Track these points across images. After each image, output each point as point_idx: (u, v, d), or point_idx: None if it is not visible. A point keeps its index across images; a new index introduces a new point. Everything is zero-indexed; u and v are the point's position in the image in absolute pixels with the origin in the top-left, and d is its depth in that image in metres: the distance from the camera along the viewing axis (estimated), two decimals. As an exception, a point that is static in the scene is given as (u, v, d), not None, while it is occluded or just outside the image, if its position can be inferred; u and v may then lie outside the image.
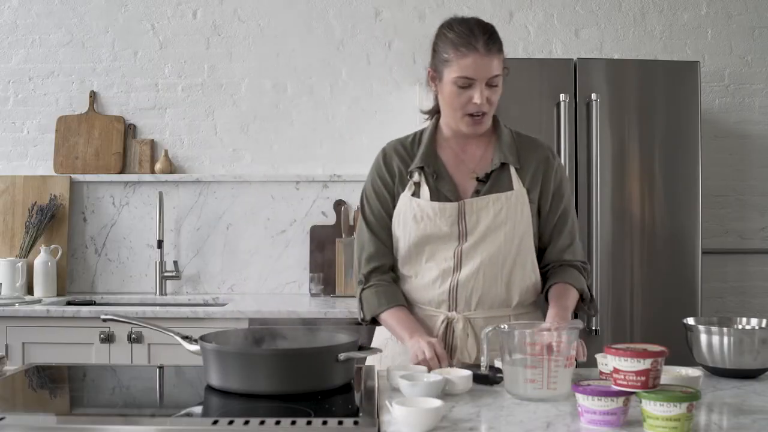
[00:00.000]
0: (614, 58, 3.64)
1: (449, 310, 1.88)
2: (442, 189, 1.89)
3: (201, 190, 3.69)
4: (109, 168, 3.70)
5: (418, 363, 1.72)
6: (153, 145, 3.73)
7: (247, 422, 1.30)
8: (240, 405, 1.44)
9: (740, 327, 1.82)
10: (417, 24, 3.69)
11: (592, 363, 1.73)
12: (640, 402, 1.29)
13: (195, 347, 1.69)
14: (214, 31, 3.73)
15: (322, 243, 3.60)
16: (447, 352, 1.85)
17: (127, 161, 3.73)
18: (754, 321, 1.83)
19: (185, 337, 1.74)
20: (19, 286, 3.41)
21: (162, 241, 3.58)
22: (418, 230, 1.87)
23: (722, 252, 3.67)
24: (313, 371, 1.52)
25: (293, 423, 1.29)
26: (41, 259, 3.45)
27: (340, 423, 1.30)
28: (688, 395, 1.27)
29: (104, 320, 1.87)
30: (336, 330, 1.82)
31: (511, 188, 1.88)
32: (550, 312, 1.81)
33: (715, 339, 1.71)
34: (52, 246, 3.54)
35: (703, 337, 1.73)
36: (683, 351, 1.80)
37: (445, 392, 1.53)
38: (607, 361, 1.40)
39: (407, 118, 3.66)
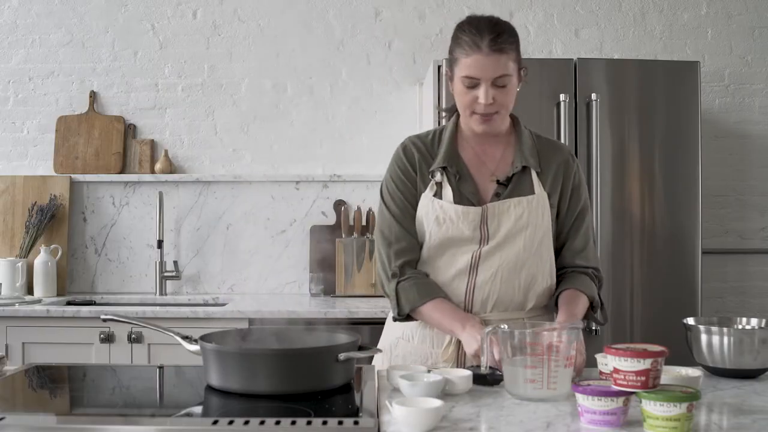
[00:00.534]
0: (614, 58, 3.64)
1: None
2: (464, 191, 1.87)
3: (201, 190, 3.69)
4: (109, 168, 3.70)
5: (475, 354, 1.70)
6: (153, 145, 3.73)
7: (247, 422, 1.30)
8: (240, 405, 1.44)
9: (740, 327, 1.82)
10: (417, 24, 3.69)
11: (592, 363, 1.73)
12: (640, 402, 1.29)
13: (195, 347, 1.69)
14: (214, 31, 3.74)
15: (322, 243, 3.60)
16: (461, 354, 1.84)
17: (127, 161, 3.73)
18: (754, 321, 1.83)
19: (185, 337, 1.74)
20: (19, 286, 3.41)
21: (162, 241, 3.58)
22: (440, 233, 1.85)
23: (722, 252, 3.67)
24: (313, 371, 1.52)
25: (293, 423, 1.29)
26: (41, 259, 3.45)
27: (340, 423, 1.30)
28: (688, 395, 1.27)
29: (104, 320, 1.87)
30: (336, 330, 1.81)
31: (532, 192, 1.87)
32: (559, 318, 1.81)
33: (715, 339, 1.71)
34: (52, 246, 3.54)
35: (703, 337, 1.73)
36: (683, 351, 1.80)
37: (445, 392, 1.53)
38: (607, 361, 1.40)
39: (407, 118, 3.66)
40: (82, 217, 3.69)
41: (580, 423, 1.33)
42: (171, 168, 3.67)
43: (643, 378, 1.32)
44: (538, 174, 1.89)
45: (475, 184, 1.89)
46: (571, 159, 1.95)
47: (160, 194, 3.58)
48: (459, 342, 1.84)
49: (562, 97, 2.97)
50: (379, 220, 1.97)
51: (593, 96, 2.98)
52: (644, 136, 3.05)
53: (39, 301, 3.28)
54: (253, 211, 3.68)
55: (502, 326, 1.57)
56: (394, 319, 1.91)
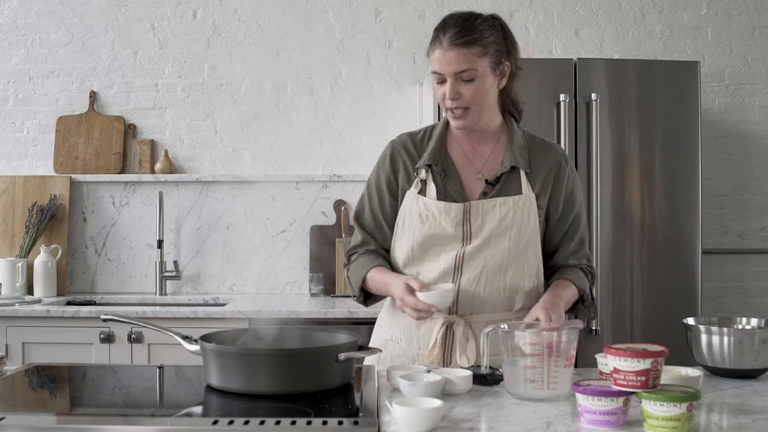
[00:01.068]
0: (614, 58, 3.64)
1: (449, 313, 1.86)
2: (449, 188, 1.87)
3: (201, 190, 3.69)
4: (109, 168, 3.70)
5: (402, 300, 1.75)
6: (153, 145, 3.73)
7: (247, 422, 1.30)
8: (240, 405, 1.44)
9: (740, 327, 1.82)
10: (417, 24, 3.69)
11: (592, 363, 1.73)
12: (640, 402, 1.29)
13: (195, 347, 1.69)
14: (214, 31, 3.74)
15: (322, 243, 3.60)
16: (446, 355, 1.84)
17: (127, 161, 3.73)
18: (754, 321, 1.83)
19: (185, 337, 1.74)
20: (19, 286, 3.42)
21: (162, 241, 3.58)
22: (422, 230, 1.85)
23: (722, 252, 3.67)
24: (313, 371, 1.52)
25: (293, 423, 1.29)
26: (41, 259, 3.45)
27: (340, 423, 1.30)
28: (688, 395, 1.27)
29: (104, 320, 1.87)
30: (336, 330, 1.81)
31: (519, 192, 1.86)
32: (543, 298, 1.80)
33: (715, 339, 1.71)
34: (52, 246, 3.54)
35: (703, 337, 1.73)
36: (683, 351, 1.80)
37: (445, 392, 1.53)
38: (607, 361, 1.40)
39: (407, 118, 3.66)
40: (82, 217, 3.69)
41: (580, 423, 1.33)
42: (171, 168, 3.67)
43: (643, 378, 1.32)
44: (527, 174, 1.88)
45: (462, 182, 1.89)
46: (564, 161, 1.93)
47: (160, 194, 3.58)
48: (444, 343, 1.84)
49: (562, 97, 2.97)
50: (358, 207, 2.01)
51: (593, 96, 2.98)
52: (644, 136, 3.05)
53: (39, 301, 3.28)
54: (253, 211, 3.68)
55: (502, 326, 1.57)
56: (365, 304, 1.99)
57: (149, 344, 2.99)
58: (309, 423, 1.30)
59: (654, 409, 1.27)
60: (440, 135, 1.93)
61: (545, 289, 1.89)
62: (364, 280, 1.92)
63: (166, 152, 3.67)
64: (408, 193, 1.90)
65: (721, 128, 3.71)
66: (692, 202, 3.06)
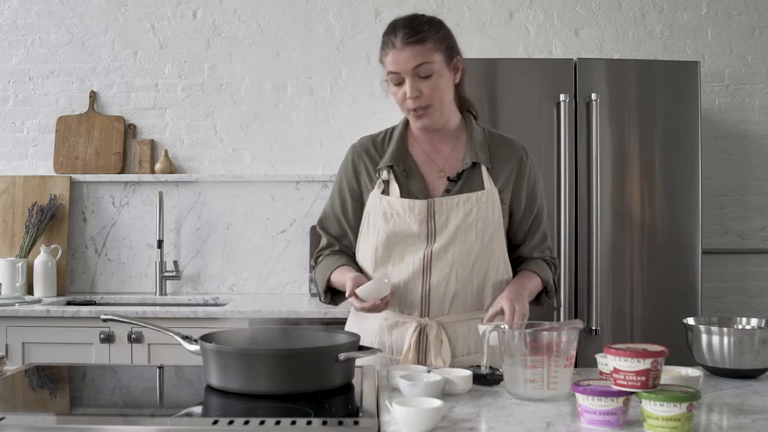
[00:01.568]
0: (614, 58, 3.64)
1: (421, 316, 1.86)
2: (412, 188, 1.88)
3: (201, 190, 3.69)
4: (109, 168, 3.70)
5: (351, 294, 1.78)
6: (153, 145, 3.73)
7: (247, 422, 1.29)
8: (240, 405, 1.44)
9: (740, 327, 1.82)
10: (417, 24, 3.69)
11: (592, 363, 1.73)
12: (640, 402, 1.29)
13: (195, 347, 1.68)
14: (214, 31, 3.74)
15: (322, 243, 3.60)
16: (421, 358, 1.86)
17: (127, 161, 3.73)
18: (754, 321, 1.83)
19: (185, 337, 1.74)
20: (19, 286, 3.42)
21: (162, 241, 3.58)
22: (387, 228, 1.86)
23: (722, 252, 3.67)
24: (313, 371, 1.52)
25: (293, 423, 1.29)
26: (41, 259, 3.45)
27: (340, 423, 1.30)
28: (688, 395, 1.27)
29: (104, 320, 1.87)
30: (336, 330, 1.81)
31: (482, 188, 1.87)
32: (506, 289, 1.82)
33: (715, 339, 1.71)
34: (52, 246, 3.54)
35: (703, 337, 1.73)
36: (683, 351, 1.80)
37: (445, 392, 1.53)
38: (607, 361, 1.40)
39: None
40: (82, 217, 3.69)
41: (580, 423, 1.33)
42: (171, 168, 3.67)
43: (643, 378, 1.32)
44: (488, 170, 1.89)
45: (424, 180, 1.90)
46: (525, 156, 1.95)
47: (160, 194, 3.58)
48: (418, 346, 1.85)
49: (562, 97, 2.97)
50: (322, 213, 2.05)
51: (593, 96, 2.99)
52: (644, 136, 3.05)
53: (39, 301, 3.28)
54: (253, 211, 3.68)
55: (502, 326, 1.57)
56: (334, 303, 2.02)
57: (149, 344, 2.99)
58: (309, 423, 1.30)
59: (654, 409, 1.27)
60: (400, 135, 1.95)
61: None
62: (329, 281, 1.95)
63: (166, 152, 3.67)
64: (371, 194, 1.91)
65: (721, 128, 3.71)
66: (692, 202, 3.06)
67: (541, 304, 1.97)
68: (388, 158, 1.91)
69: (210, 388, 1.57)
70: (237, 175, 3.68)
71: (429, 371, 1.60)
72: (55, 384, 1.73)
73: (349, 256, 1.99)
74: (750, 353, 1.68)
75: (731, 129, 3.72)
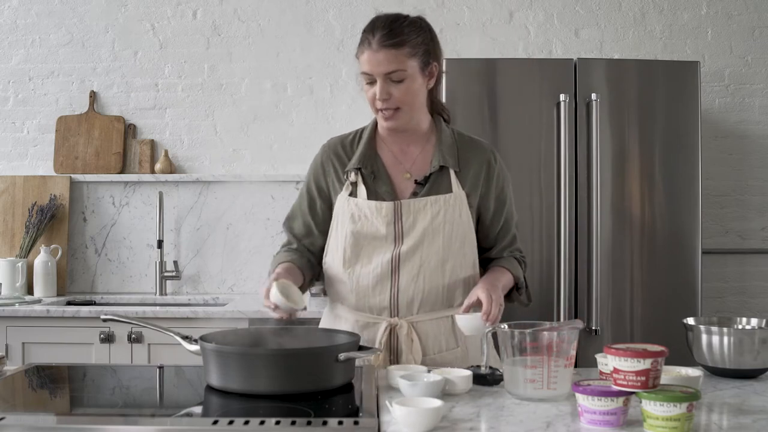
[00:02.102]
0: (614, 58, 3.64)
1: (391, 316, 1.87)
2: (380, 189, 1.88)
3: (201, 190, 3.69)
4: (109, 168, 3.70)
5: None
6: (153, 145, 3.73)
7: (247, 422, 1.29)
8: (240, 405, 1.44)
9: (740, 327, 1.82)
10: (417, 24, 3.69)
11: (592, 363, 1.73)
12: (640, 402, 1.30)
13: (195, 347, 1.69)
14: (214, 31, 3.74)
15: (322, 243, 3.60)
16: (393, 358, 1.86)
17: (127, 161, 3.73)
18: (754, 321, 1.83)
19: (185, 337, 1.74)
20: (19, 286, 3.42)
21: (162, 241, 3.58)
22: (354, 229, 1.86)
23: (722, 252, 3.67)
24: (313, 371, 1.52)
25: (293, 423, 1.29)
26: (41, 259, 3.45)
27: (340, 423, 1.30)
28: (688, 395, 1.27)
29: (104, 320, 1.87)
30: (336, 330, 1.81)
31: (449, 191, 1.88)
32: (480, 281, 1.83)
33: (715, 339, 1.71)
34: (52, 246, 3.54)
35: (703, 337, 1.73)
36: (683, 351, 1.80)
37: (445, 392, 1.53)
38: (607, 361, 1.40)
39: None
40: (82, 217, 3.69)
41: (580, 423, 1.33)
42: (171, 168, 3.67)
43: (643, 378, 1.32)
44: (456, 173, 1.90)
45: (392, 183, 1.90)
46: (494, 159, 1.95)
47: (160, 194, 3.58)
48: (389, 346, 1.86)
49: (562, 97, 2.97)
50: (289, 212, 2.02)
51: (593, 96, 2.98)
52: (644, 136, 3.05)
53: (39, 301, 3.28)
54: (253, 211, 3.68)
55: (502, 326, 1.57)
56: None
57: (149, 344, 2.99)
58: (309, 423, 1.30)
59: (654, 409, 1.27)
60: (369, 137, 1.95)
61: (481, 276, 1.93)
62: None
63: (166, 152, 3.67)
64: (339, 195, 1.91)
65: (721, 128, 3.71)
66: (692, 202, 3.06)
67: (512, 301, 1.97)
68: (356, 160, 1.91)
69: (210, 388, 1.57)
70: (237, 175, 3.68)
71: (429, 371, 1.60)
72: (55, 384, 1.73)
73: (304, 255, 1.97)
74: (750, 353, 1.68)
75: (731, 129, 3.72)
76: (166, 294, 3.59)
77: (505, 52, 3.68)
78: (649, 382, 1.32)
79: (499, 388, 1.60)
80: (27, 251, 3.53)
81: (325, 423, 1.30)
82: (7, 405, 1.50)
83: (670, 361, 1.46)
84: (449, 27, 3.61)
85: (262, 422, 1.29)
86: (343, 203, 1.90)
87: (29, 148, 3.75)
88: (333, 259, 1.92)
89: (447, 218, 1.85)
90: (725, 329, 1.71)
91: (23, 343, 3.01)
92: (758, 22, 3.73)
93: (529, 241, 2.99)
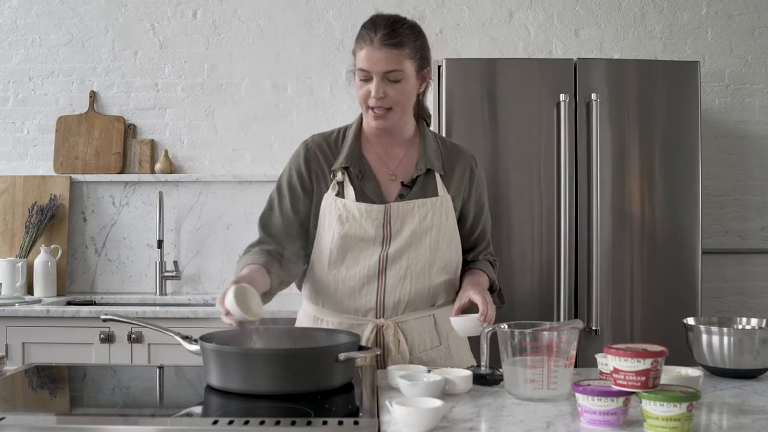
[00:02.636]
0: (614, 58, 3.64)
1: (377, 318, 1.87)
2: (367, 190, 1.87)
3: (201, 190, 3.69)
4: (109, 168, 3.70)
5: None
6: (153, 145, 3.73)
7: (247, 422, 1.30)
8: (240, 405, 1.44)
9: (740, 327, 1.82)
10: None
11: (592, 363, 1.73)
12: (640, 402, 1.30)
13: (195, 347, 1.69)
14: (214, 31, 3.74)
15: (322, 243, 3.60)
16: (380, 357, 1.86)
17: (127, 161, 3.73)
18: (754, 321, 1.83)
19: (185, 337, 1.74)
20: (19, 286, 3.42)
21: (162, 241, 3.58)
22: (342, 231, 1.84)
23: (722, 252, 3.67)
24: (313, 371, 1.52)
25: (293, 423, 1.29)
26: (41, 259, 3.45)
27: (340, 423, 1.30)
28: (688, 395, 1.27)
29: (104, 320, 1.87)
30: (336, 330, 1.81)
31: (436, 194, 1.89)
32: (466, 284, 1.85)
33: (715, 339, 1.71)
34: (52, 246, 3.54)
35: (703, 337, 1.73)
36: (683, 351, 1.80)
37: (445, 392, 1.53)
38: (607, 361, 1.40)
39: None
40: (82, 217, 3.69)
41: (580, 423, 1.33)
42: (171, 168, 3.67)
43: (643, 378, 1.32)
44: (442, 177, 1.91)
45: (378, 184, 1.90)
46: (474, 165, 1.98)
47: (160, 194, 3.58)
48: (376, 347, 1.86)
49: (562, 97, 2.97)
50: (264, 211, 1.95)
51: (593, 96, 2.98)
52: (644, 136, 3.05)
53: (39, 301, 3.28)
54: (253, 211, 3.68)
55: (502, 326, 1.57)
56: None
57: (149, 344, 2.99)
58: (309, 423, 1.30)
59: (654, 409, 1.27)
60: (355, 136, 1.93)
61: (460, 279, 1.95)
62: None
63: (166, 152, 3.68)
64: (325, 195, 1.89)
65: (721, 128, 3.71)
66: (692, 202, 3.06)
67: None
68: (343, 159, 1.89)
69: (210, 388, 1.57)
70: (237, 175, 3.68)
71: (429, 371, 1.60)
72: (55, 384, 1.73)
73: (275, 257, 1.88)
74: (750, 353, 1.68)
75: (731, 129, 3.72)
76: (166, 294, 3.59)
77: (505, 52, 3.68)
78: (649, 382, 1.32)
79: (499, 388, 1.60)
80: (27, 251, 3.53)
81: (325, 423, 1.30)
82: (7, 405, 1.50)
83: (670, 361, 1.46)
84: (449, 27, 3.61)
85: (262, 422, 1.29)
86: (329, 204, 1.88)
87: (29, 148, 3.75)
88: (319, 259, 1.90)
89: (434, 221, 1.86)
90: (725, 329, 1.71)
91: (23, 343, 3.02)
92: (758, 22, 3.73)
93: (529, 241, 2.99)
